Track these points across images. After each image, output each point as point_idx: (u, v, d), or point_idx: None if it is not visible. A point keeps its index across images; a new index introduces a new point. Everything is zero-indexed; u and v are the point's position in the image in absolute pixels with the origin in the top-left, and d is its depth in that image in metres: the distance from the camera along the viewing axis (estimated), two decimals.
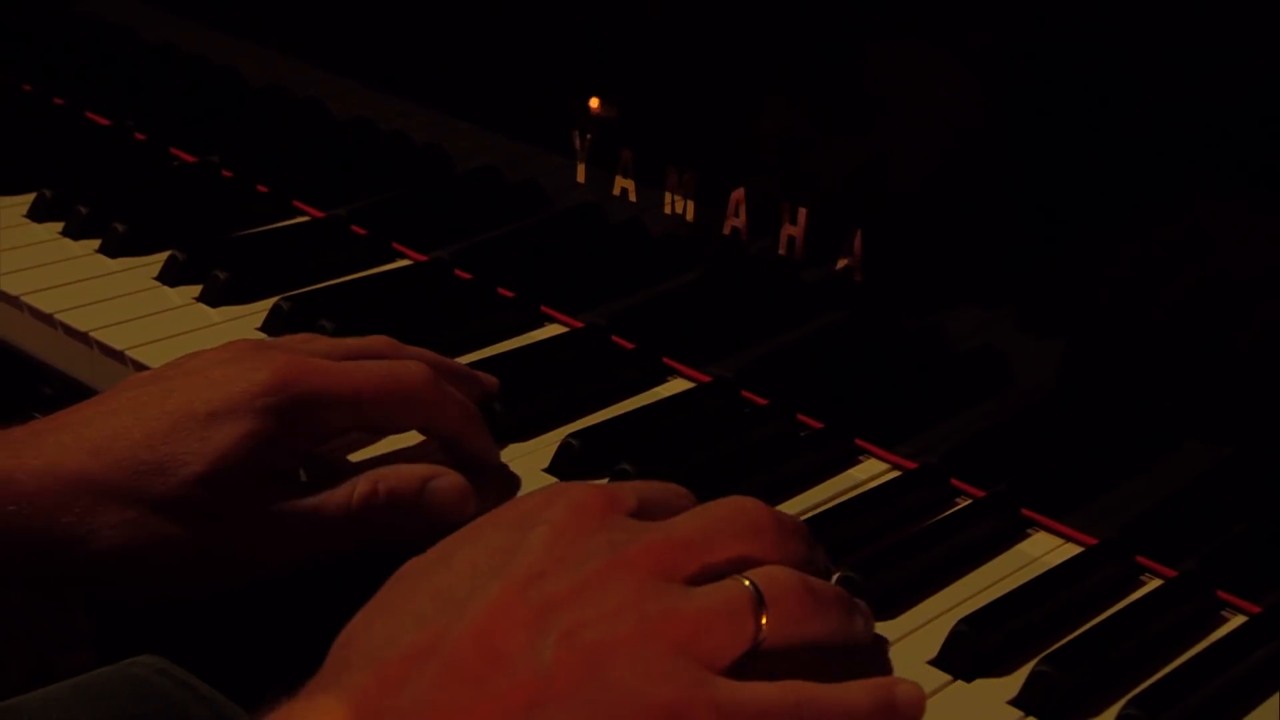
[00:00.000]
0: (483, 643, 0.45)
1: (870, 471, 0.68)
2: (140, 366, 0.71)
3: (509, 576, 0.47)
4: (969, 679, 0.55)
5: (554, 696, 0.45)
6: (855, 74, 0.67)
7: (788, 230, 0.69)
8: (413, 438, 0.64)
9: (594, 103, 0.75)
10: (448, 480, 0.61)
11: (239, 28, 0.95)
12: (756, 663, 0.49)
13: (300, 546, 0.59)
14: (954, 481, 0.66)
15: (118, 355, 0.72)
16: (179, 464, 0.57)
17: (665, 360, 0.74)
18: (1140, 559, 0.62)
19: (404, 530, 0.60)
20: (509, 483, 0.65)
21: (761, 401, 0.71)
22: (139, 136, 0.96)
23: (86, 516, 0.56)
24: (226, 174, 0.91)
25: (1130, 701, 0.53)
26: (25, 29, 1.04)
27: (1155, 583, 0.61)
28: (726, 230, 0.71)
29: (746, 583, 0.49)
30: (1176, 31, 0.58)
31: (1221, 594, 0.60)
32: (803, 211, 0.68)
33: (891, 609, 0.58)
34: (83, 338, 0.73)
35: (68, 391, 0.74)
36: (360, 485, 0.60)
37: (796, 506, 0.64)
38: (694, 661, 0.47)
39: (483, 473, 0.63)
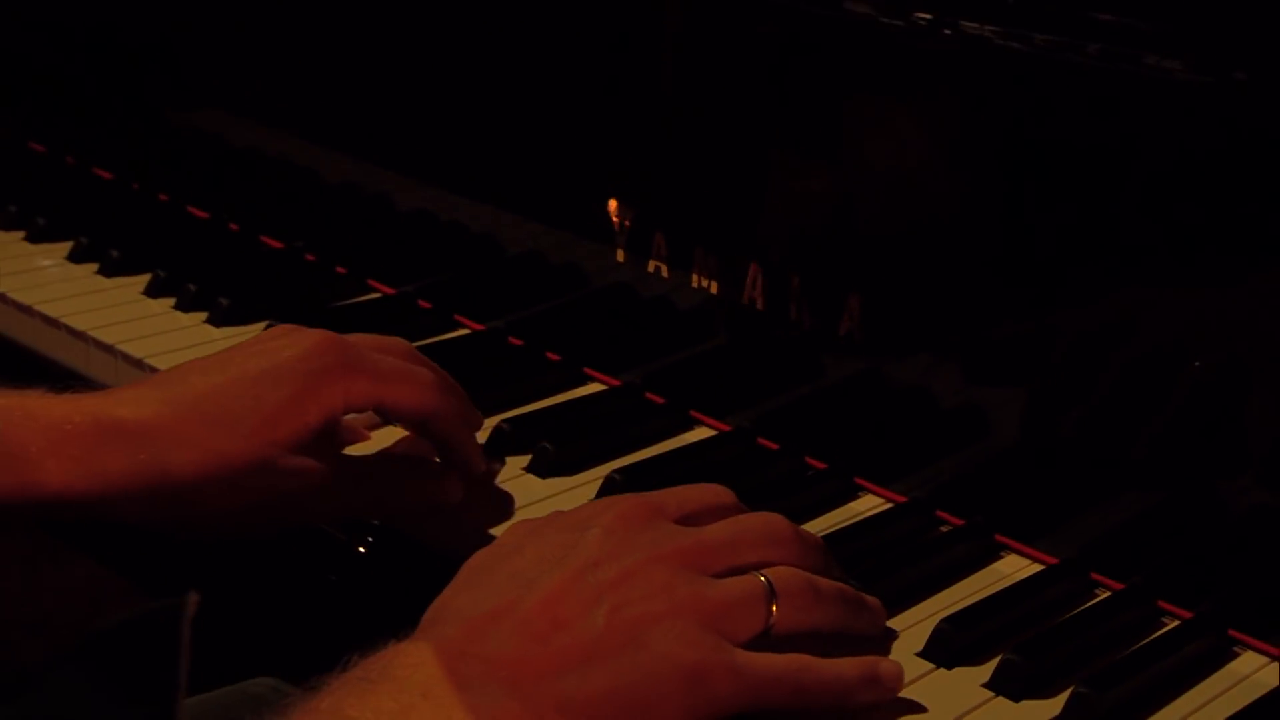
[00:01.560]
0: (549, 611, 0.55)
1: (869, 504, 0.78)
2: None
3: (570, 564, 0.57)
4: (949, 667, 0.64)
5: (603, 654, 0.54)
6: (843, 174, 0.78)
7: (795, 300, 0.79)
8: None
9: (612, 204, 0.86)
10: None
11: (316, 134, 1.06)
12: (769, 643, 0.58)
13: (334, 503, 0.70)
14: (939, 513, 0.76)
15: None
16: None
17: (692, 413, 0.84)
18: (1094, 575, 0.71)
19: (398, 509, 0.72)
20: (495, 493, 0.75)
21: (774, 446, 0.81)
22: (233, 227, 1.07)
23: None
24: (309, 257, 1.02)
25: (1081, 682, 0.62)
26: (130, 137, 1.16)
27: (1105, 594, 0.70)
28: (745, 300, 0.81)
29: (762, 578, 0.59)
30: (1149, 120, 0.69)
31: (1162, 604, 0.69)
32: (808, 283, 0.79)
33: (888, 612, 0.68)
34: None
35: None
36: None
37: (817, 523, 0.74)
38: (716, 634, 0.56)
39: (468, 475, 0.73)
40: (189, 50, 1.12)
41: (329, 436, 0.69)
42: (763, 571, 0.60)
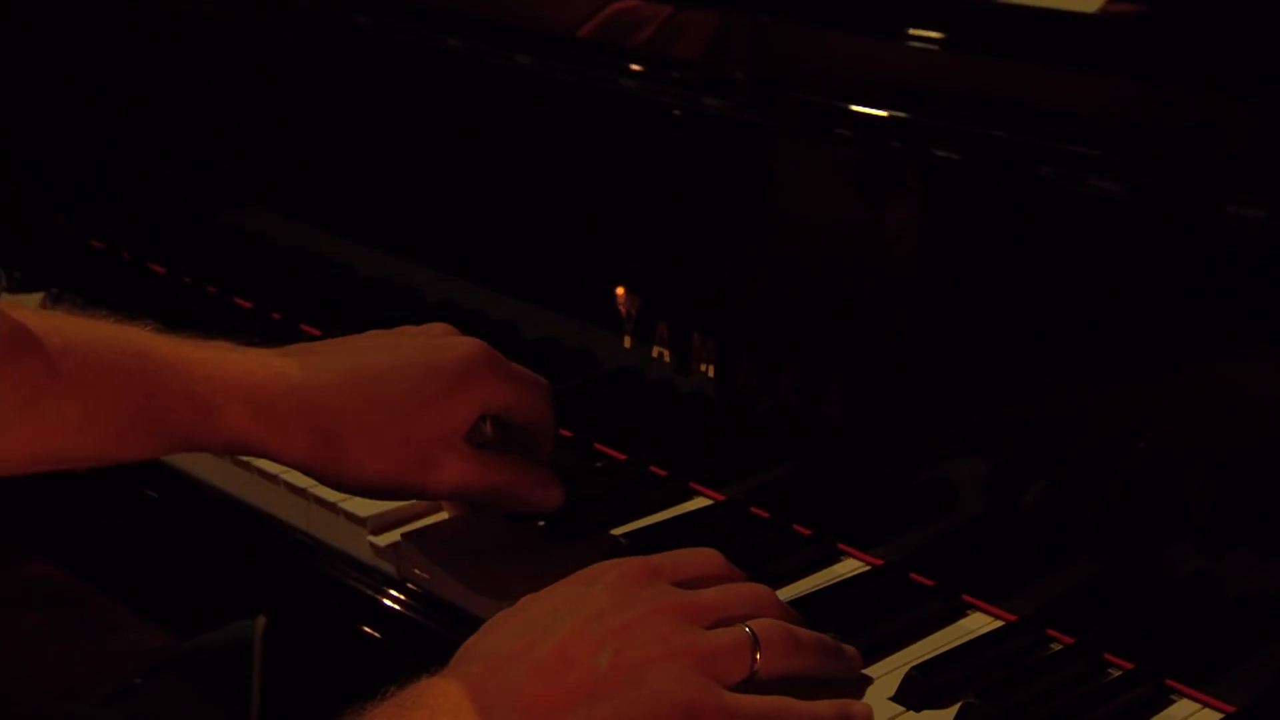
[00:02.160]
0: (561, 653, 0.63)
1: (849, 567, 0.85)
2: (320, 501, 0.89)
3: (579, 615, 0.65)
4: (918, 709, 0.72)
5: (608, 691, 0.62)
6: (825, 271, 0.86)
7: (784, 383, 0.87)
8: None
9: (620, 291, 0.95)
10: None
11: (351, 232, 1.14)
12: (756, 687, 0.66)
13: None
14: (912, 574, 0.84)
15: (330, 506, 0.89)
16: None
17: (691, 484, 0.92)
18: (1049, 630, 0.79)
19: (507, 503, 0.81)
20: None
21: (764, 514, 0.89)
22: (275, 316, 1.15)
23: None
24: None
25: None
26: (182, 235, 1.25)
27: (1058, 647, 0.78)
28: (739, 383, 0.89)
29: (748, 629, 0.67)
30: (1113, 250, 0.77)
31: (1108, 656, 0.76)
32: (794, 369, 0.87)
33: (866, 661, 0.75)
34: (300, 492, 0.90)
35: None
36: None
37: (790, 593, 0.81)
38: (708, 677, 0.64)
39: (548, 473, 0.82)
40: (235, 156, 1.22)
41: (465, 429, 0.78)
42: (749, 623, 0.67)
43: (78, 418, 0.74)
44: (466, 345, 0.80)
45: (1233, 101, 0.77)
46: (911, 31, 0.87)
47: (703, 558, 0.73)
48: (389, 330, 0.83)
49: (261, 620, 0.60)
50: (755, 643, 0.66)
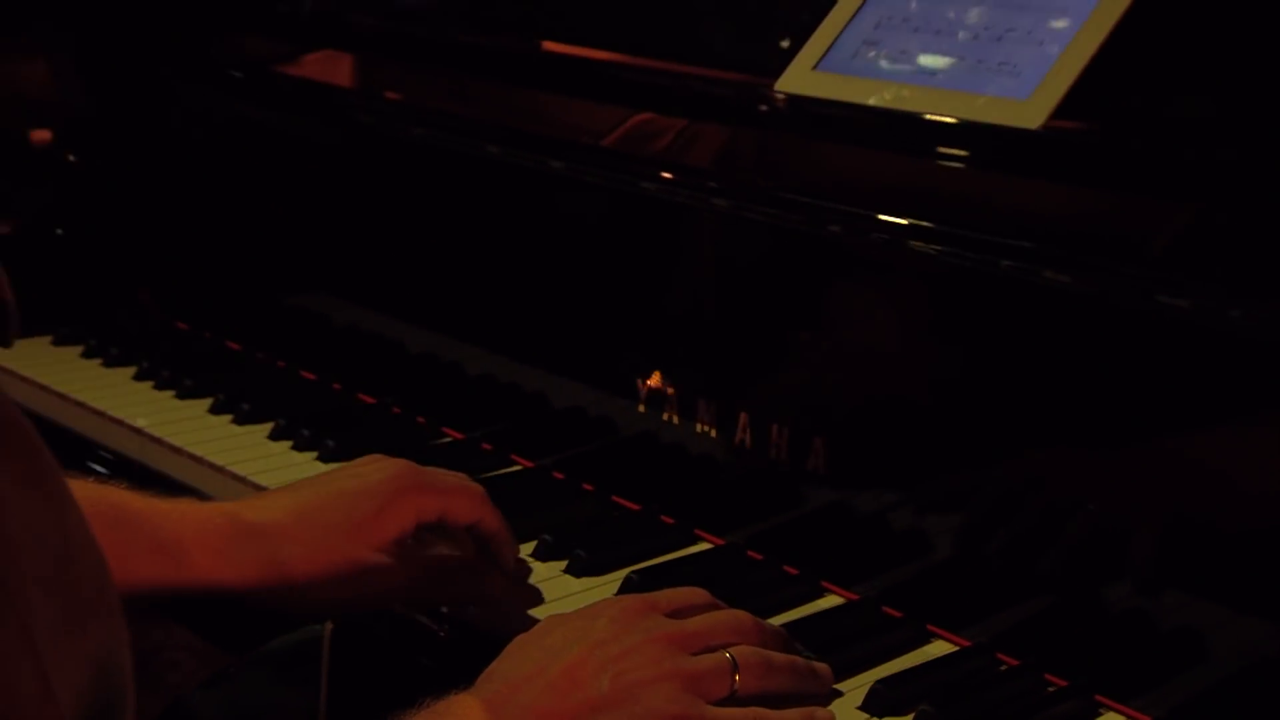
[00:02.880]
0: (569, 676, 0.75)
1: (831, 601, 0.97)
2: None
3: (585, 643, 0.77)
4: (881, 716, 0.83)
5: (609, 707, 0.74)
6: (810, 346, 0.99)
7: (774, 441, 1.00)
8: None
9: (655, 378, 1.08)
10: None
11: (401, 313, 1.28)
12: (737, 703, 0.78)
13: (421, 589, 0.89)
14: (885, 608, 0.95)
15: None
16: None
17: (696, 530, 1.05)
18: (999, 654, 0.90)
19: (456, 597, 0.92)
20: (528, 589, 0.95)
21: (758, 557, 1.01)
22: (335, 386, 1.28)
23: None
24: (396, 410, 1.23)
25: None
26: (254, 317, 1.39)
27: (1005, 667, 0.90)
28: (736, 442, 1.02)
29: (728, 655, 0.79)
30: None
31: (1049, 676, 0.88)
32: (785, 429, 1.00)
33: (840, 678, 0.87)
34: None
35: None
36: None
37: (778, 621, 0.93)
38: (693, 695, 0.76)
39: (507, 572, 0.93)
40: (301, 247, 1.36)
41: (405, 540, 0.89)
42: (729, 650, 0.79)
43: None
44: (394, 466, 0.90)
45: (1161, 205, 0.91)
46: (891, 145, 1.01)
47: (691, 594, 0.85)
48: (328, 471, 0.95)
49: (329, 625, 0.73)
50: (735, 666, 0.78)
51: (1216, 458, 0.82)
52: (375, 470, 0.91)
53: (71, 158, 1.49)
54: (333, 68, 1.42)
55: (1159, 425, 0.85)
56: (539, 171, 1.15)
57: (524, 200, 1.17)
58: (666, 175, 1.07)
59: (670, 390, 1.06)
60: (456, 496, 0.91)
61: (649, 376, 1.08)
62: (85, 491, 0.85)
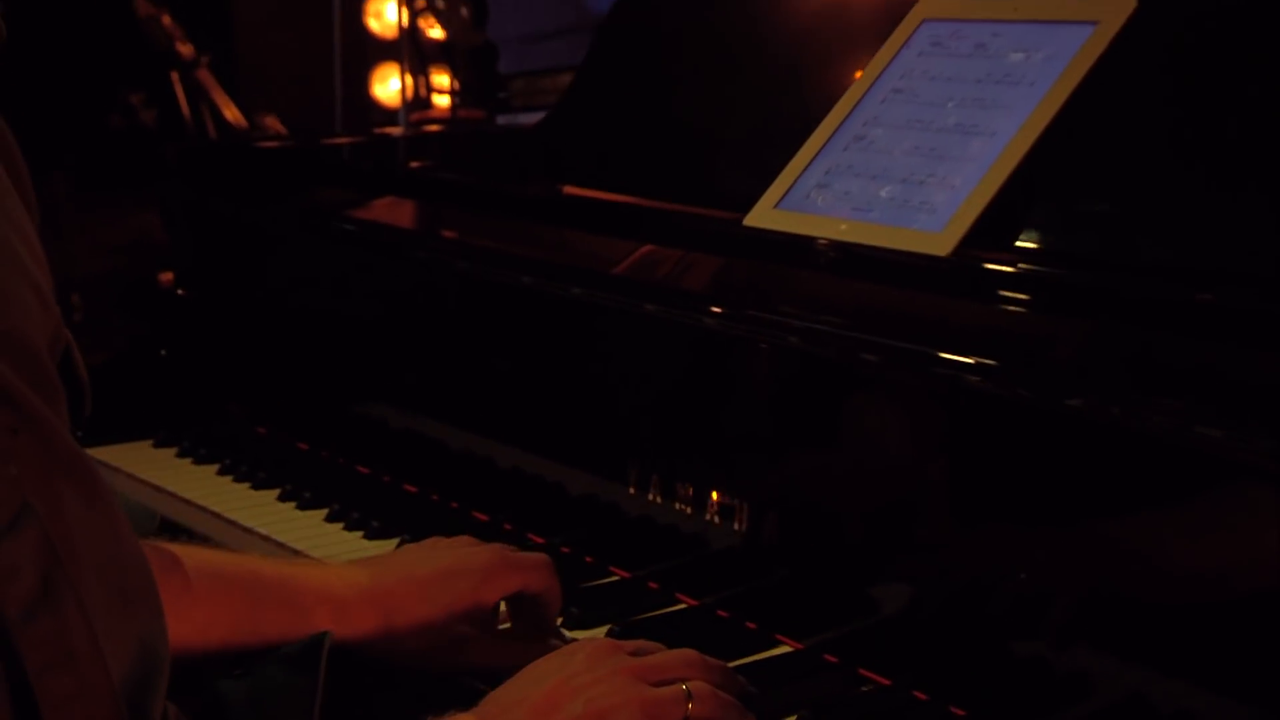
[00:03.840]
0: (548, 700, 0.91)
1: (781, 650, 1.13)
2: None
3: (563, 674, 0.93)
4: None
5: None
6: (769, 446, 1.17)
7: (738, 517, 1.18)
8: None
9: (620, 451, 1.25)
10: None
11: (446, 418, 1.48)
12: None
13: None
14: (825, 655, 1.12)
15: None
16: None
17: (676, 594, 1.22)
18: (915, 691, 1.06)
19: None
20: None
21: (725, 615, 1.18)
22: (385, 479, 1.48)
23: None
24: (434, 498, 1.42)
25: None
26: (320, 422, 1.61)
27: (923, 697, 1.05)
28: (707, 518, 1.20)
29: (683, 687, 0.95)
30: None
31: (954, 708, 1.03)
32: (746, 507, 1.17)
33: (784, 712, 1.02)
34: None
35: None
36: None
37: (734, 664, 1.09)
38: (653, 718, 0.92)
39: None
40: (361, 363, 1.58)
41: (489, 616, 1.07)
42: (683, 682, 0.95)
43: (204, 620, 0.98)
44: (489, 553, 1.07)
45: (1058, 321, 1.08)
46: (834, 270, 1.20)
47: (646, 642, 1.01)
48: (430, 542, 1.13)
49: (330, 635, 0.93)
50: (688, 696, 0.94)
51: (1122, 536, 0.95)
52: (470, 554, 1.09)
53: (180, 291, 1.74)
54: (394, 212, 1.66)
55: (1075, 507, 0.98)
56: (562, 297, 1.34)
57: (549, 319, 1.36)
58: (660, 298, 1.26)
59: (653, 476, 1.24)
60: (533, 571, 1.09)
61: (639, 464, 1.26)
62: (227, 559, 1.06)
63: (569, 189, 1.52)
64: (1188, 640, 0.91)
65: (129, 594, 0.71)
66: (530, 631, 1.10)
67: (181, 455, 1.56)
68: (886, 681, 1.08)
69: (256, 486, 1.46)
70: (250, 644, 1.00)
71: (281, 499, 1.42)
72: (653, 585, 1.23)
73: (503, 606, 1.10)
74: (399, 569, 1.07)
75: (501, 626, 1.11)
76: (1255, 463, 0.87)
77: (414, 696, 1.02)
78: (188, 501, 1.43)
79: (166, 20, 3.65)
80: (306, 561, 1.08)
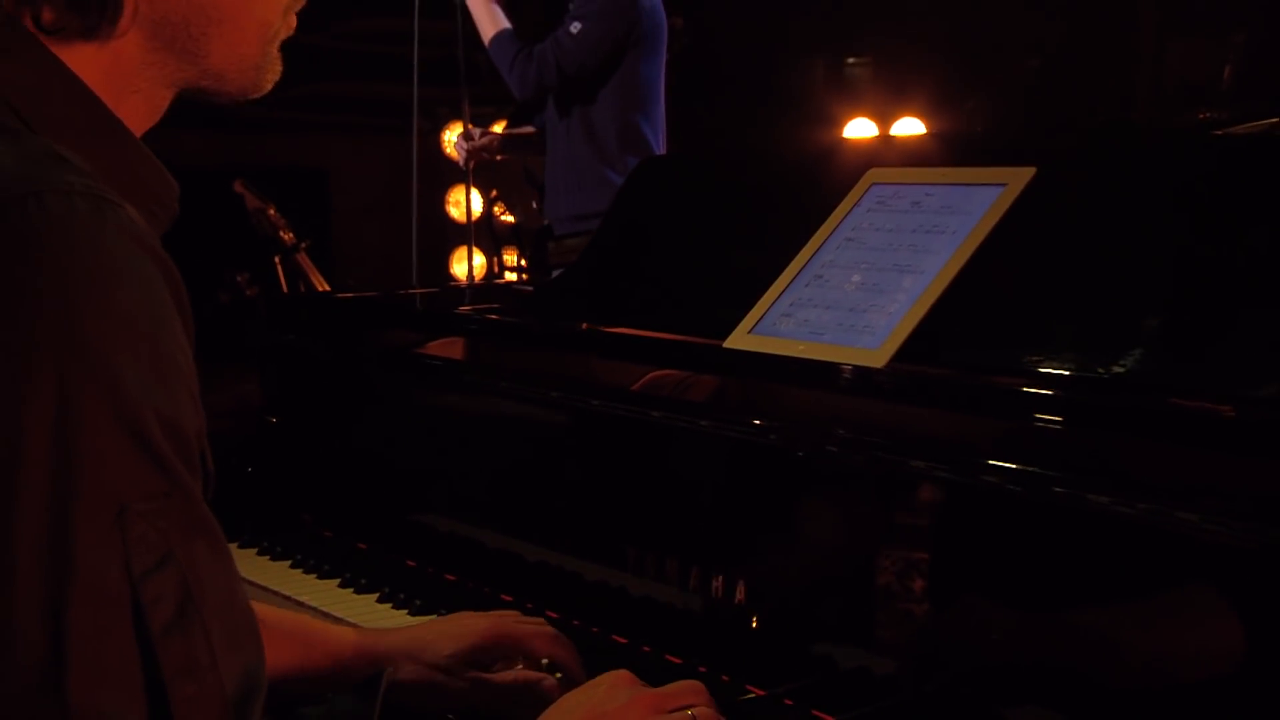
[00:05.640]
0: None
1: (750, 698, 1.32)
2: None
3: (589, 704, 1.12)
4: None
5: None
6: (742, 533, 1.38)
7: (714, 586, 1.38)
8: None
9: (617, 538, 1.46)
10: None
11: (483, 521, 1.71)
12: None
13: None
14: (786, 700, 1.30)
15: None
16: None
17: (665, 655, 1.41)
18: None
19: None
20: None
21: (703, 669, 1.37)
22: (429, 570, 1.70)
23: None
24: (469, 585, 1.64)
25: None
26: (374, 526, 1.84)
27: None
28: (690, 586, 1.40)
29: (690, 713, 1.14)
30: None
31: None
32: (720, 579, 1.37)
33: None
34: None
35: None
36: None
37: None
38: None
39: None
40: (409, 480, 1.81)
41: (488, 666, 1.29)
42: (691, 709, 1.14)
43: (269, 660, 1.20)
44: (487, 619, 1.31)
45: (973, 418, 1.29)
46: (795, 381, 1.42)
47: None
48: (447, 617, 1.37)
49: (389, 671, 1.14)
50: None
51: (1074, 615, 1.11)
52: (473, 621, 1.32)
53: (273, 419, 1.99)
54: (447, 348, 1.91)
55: (1035, 588, 1.17)
56: (585, 409, 1.57)
57: (573, 430, 1.57)
58: (665, 410, 1.49)
59: (648, 556, 1.45)
60: (533, 640, 1.31)
61: (633, 548, 1.46)
62: (287, 615, 1.31)
63: (585, 325, 1.77)
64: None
65: (239, 631, 0.87)
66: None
67: (261, 554, 1.79)
68: None
69: (321, 577, 1.69)
70: (296, 682, 1.23)
71: (341, 585, 1.65)
72: (645, 648, 1.43)
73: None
74: (410, 634, 1.30)
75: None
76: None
77: None
78: (264, 588, 1.65)
79: (272, 212, 4.03)
80: (345, 626, 1.31)
